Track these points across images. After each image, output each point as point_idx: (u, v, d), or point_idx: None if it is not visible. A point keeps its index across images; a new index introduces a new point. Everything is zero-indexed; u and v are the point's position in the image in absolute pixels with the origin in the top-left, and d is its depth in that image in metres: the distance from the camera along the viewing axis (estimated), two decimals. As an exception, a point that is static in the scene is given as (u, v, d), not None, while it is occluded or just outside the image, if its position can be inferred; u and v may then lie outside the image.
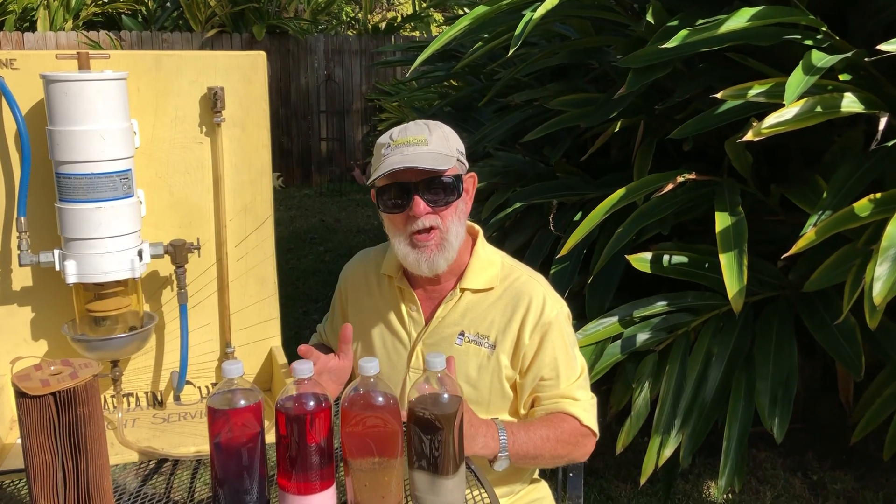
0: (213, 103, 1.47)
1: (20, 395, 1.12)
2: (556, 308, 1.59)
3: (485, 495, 1.35)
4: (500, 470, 1.47)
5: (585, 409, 1.58)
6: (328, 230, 6.53)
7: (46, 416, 1.13)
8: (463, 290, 1.60)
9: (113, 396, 1.53)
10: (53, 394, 1.12)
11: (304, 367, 1.19)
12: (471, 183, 1.61)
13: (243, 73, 1.50)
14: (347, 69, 8.38)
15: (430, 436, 1.20)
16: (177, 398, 1.61)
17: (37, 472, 1.14)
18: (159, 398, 1.60)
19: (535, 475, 1.75)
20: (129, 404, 1.58)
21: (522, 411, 1.61)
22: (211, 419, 1.19)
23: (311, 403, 1.18)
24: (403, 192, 1.50)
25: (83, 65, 1.37)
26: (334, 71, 8.36)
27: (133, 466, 1.40)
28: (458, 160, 1.54)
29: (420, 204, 1.50)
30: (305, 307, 4.75)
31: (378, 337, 1.67)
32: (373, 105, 8.47)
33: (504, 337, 1.58)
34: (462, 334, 1.60)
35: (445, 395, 1.21)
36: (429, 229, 1.51)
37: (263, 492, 1.23)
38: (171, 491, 1.35)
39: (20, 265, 1.38)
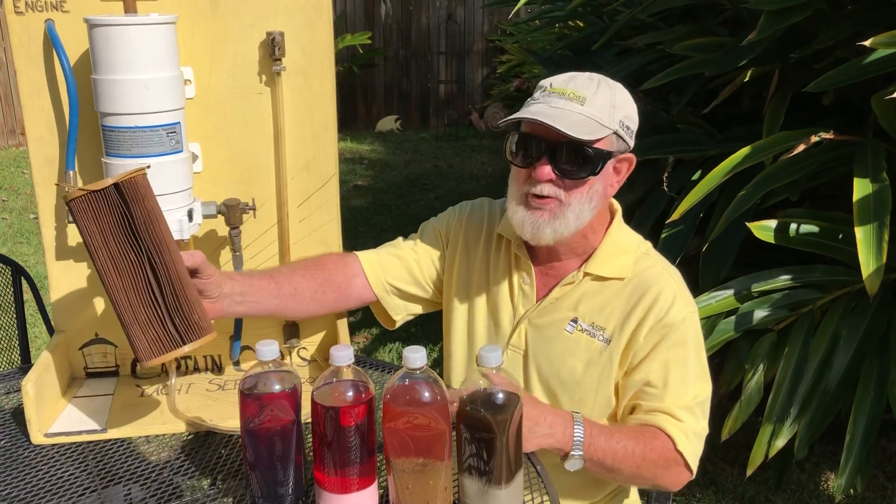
0: (271, 50, 1.34)
1: (82, 197, 1.07)
2: (686, 311, 1.35)
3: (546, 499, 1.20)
4: (573, 470, 1.30)
5: (686, 434, 1.33)
6: (441, 176, 6.41)
7: (117, 210, 1.08)
8: (586, 275, 1.40)
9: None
10: (116, 185, 1.08)
11: (343, 354, 1.06)
12: (625, 166, 1.36)
13: (306, 16, 1.36)
14: (469, 8, 8.12)
15: (482, 439, 1.05)
16: (235, 364, 1.53)
17: (125, 281, 1.09)
18: (218, 363, 1.53)
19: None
20: (186, 368, 1.52)
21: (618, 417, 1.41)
22: (242, 404, 1.09)
23: (350, 393, 1.06)
24: (534, 147, 1.29)
25: (129, 7, 1.26)
26: (456, 10, 8.12)
27: (178, 438, 1.33)
28: (616, 134, 1.30)
29: (545, 169, 1.28)
30: (411, 255, 4.66)
31: (481, 303, 1.48)
32: (494, 46, 8.20)
33: (622, 332, 1.37)
34: (575, 321, 1.39)
35: (501, 394, 1.05)
36: (547, 196, 1.31)
37: (300, 482, 1.13)
38: (213, 465, 1.28)
39: (67, 221, 1.31)
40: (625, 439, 1.30)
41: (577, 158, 1.28)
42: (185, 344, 1.14)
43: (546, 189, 1.30)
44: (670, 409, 1.34)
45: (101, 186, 1.07)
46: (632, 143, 1.35)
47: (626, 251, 1.40)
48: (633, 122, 1.34)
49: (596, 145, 1.28)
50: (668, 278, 1.38)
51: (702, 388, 1.37)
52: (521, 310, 1.43)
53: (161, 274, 1.10)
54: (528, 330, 1.43)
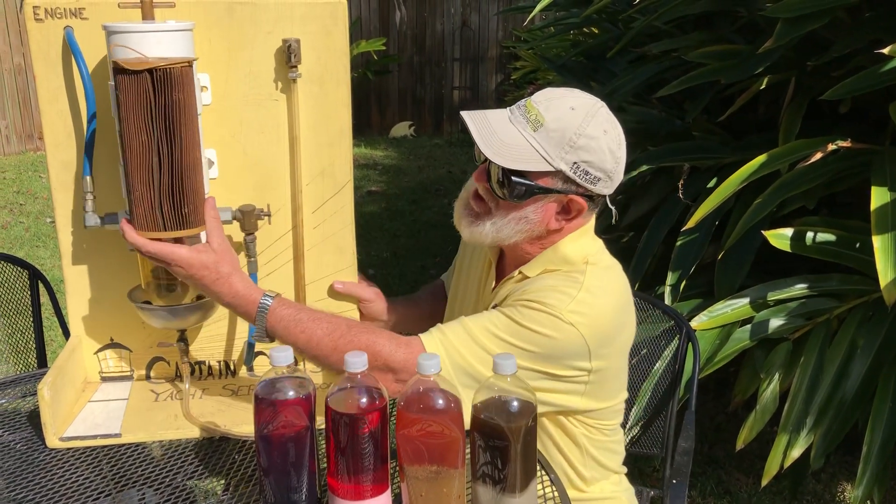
0: (287, 57, 1.34)
1: (118, 70, 1.14)
2: (561, 310, 1.25)
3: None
4: (254, 337, 1.32)
5: (443, 336, 1.28)
6: (454, 182, 6.41)
7: (143, 95, 1.15)
8: (520, 272, 1.40)
9: (184, 363, 1.47)
10: (150, 71, 1.14)
11: (357, 360, 1.06)
12: (576, 208, 1.32)
13: (322, 24, 1.37)
14: (484, 15, 8.13)
15: (496, 446, 1.05)
16: (249, 369, 1.53)
17: (133, 155, 1.18)
18: (232, 367, 1.53)
19: (610, 493, 1.49)
20: (200, 372, 1.52)
21: None
22: (257, 409, 1.09)
23: (364, 399, 1.06)
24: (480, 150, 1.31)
25: (147, 14, 1.27)
26: (470, 17, 8.13)
27: (192, 443, 1.33)
28: (561, 172, 1.27)
29: (480, 171, 1.34)
30: (424, 261, 4.67)
31: (459, 303, 1.58)
32: (508, 53, 8.20)
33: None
34: (495, 307, 1.39)
35: (515, 402, 1.05)
36: (481, 200, 1.36)
37: (314, 488, 1.13)
38: (226, 470, 1.28)
39: (84, 226, 1.32)
40: (323, 323, 1.30)
41: (502, 179, 1.29)
42: (165, 230, 1.24)
43: (480, 192, 1.36)
44: (448, 327, 1.31)
45: (138, 68, 1.14)
46: (594, 189, 1.30)
47: (567, 262, 1.35)
48: (602, 171, 1.29)
49: (531, 177, 1.28)
50: (577, 287, 1.29)
51: (489, 359, 1.20)
52: (479, 308, 1.47)
53: (164, 162, 1.19)
54: None
